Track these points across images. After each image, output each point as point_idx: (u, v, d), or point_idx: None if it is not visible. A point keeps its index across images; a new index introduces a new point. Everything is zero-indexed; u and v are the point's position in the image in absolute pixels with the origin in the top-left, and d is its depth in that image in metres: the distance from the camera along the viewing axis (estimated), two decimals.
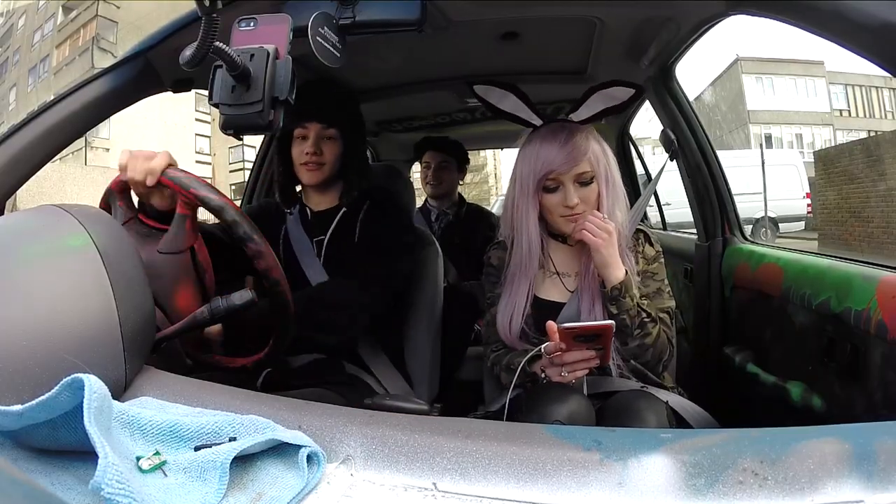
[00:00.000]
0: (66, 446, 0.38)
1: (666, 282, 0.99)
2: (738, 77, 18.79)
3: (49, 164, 0.90)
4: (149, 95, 0.94)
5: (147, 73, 0.90)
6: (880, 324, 0.76)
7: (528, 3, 1.00)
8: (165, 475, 0.38)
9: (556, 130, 0.92)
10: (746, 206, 4.06)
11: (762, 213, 8.73)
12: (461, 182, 2.13)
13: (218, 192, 0.72)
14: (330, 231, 1.10)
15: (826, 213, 8.65)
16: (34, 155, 0.83)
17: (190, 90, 1.00)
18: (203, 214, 0.74)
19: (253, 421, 0.42)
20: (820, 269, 0.96)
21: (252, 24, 0.56)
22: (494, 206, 7.89)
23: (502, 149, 3.07)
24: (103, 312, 0.47)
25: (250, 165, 2.05)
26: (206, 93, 0.57)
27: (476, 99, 0.99)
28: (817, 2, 0.58)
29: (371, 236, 1.08)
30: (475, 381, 1.20)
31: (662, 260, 1.00)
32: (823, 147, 13.84)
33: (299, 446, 0.40)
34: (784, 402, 0.97)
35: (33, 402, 0.36)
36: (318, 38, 0.66)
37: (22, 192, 0.86)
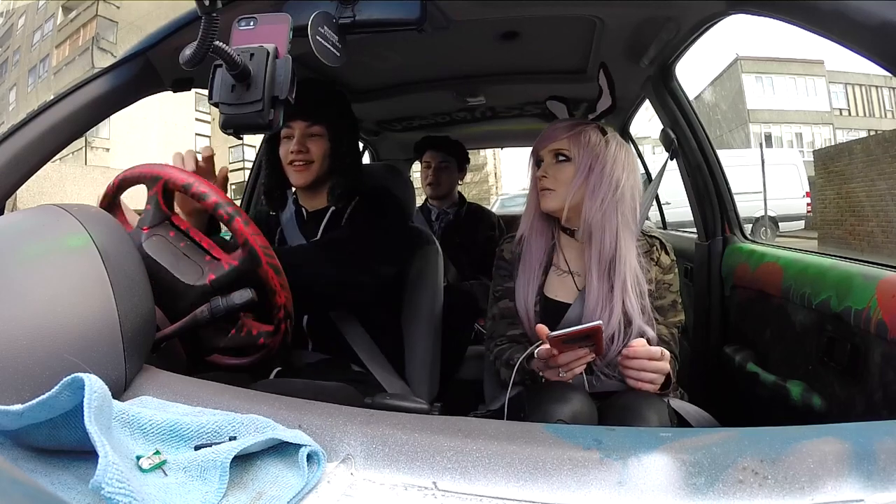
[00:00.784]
0: (67, 446, 0.38)
1: (679, 293, 0.98)
2: (737, 76, 18.79)
3: (49, 164, 0.90)
4: (149, 95, 0.94)
5: (147, 72, 0.89)
6: (880, 323, 0.76)
7: (528, 3, 0.99)
8: (165, 474, 0.38)
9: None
10: (746, 206, 4.06)
11: (762, 212, 8.74)
12: (461, 182, 2.12)
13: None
14: (320, 231, 1.09)
15: (826, 211, 8.65)
16: (34, 155, 0.82)
17: (190, 90, 0.99)
18: None
19: (253, 420, 0.42)
20: (820, 269, 0.96)
21: (252, 23, 0.55)
22: (494, 206, 7.90)
23: (502, 148, 3.07)
24: (103, 312, 0.47)
25: (250, 165, 2.04)
26: (206, 92, 0.57)
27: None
28: (817, 1, 0.58)
29: (354, 226, 1.07)
30: (475, 380, 1.20)
31: (677, 270, 0.99)
32: (823, 146, 13.85)
33: (299, 445, 0.40)
34: (784, 402, 0.97)
35: (33, 401, 0.36)
36: (318, 37, 0.66)
37: (22, 192, 0.86)
